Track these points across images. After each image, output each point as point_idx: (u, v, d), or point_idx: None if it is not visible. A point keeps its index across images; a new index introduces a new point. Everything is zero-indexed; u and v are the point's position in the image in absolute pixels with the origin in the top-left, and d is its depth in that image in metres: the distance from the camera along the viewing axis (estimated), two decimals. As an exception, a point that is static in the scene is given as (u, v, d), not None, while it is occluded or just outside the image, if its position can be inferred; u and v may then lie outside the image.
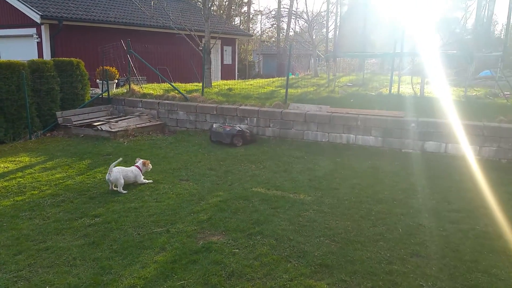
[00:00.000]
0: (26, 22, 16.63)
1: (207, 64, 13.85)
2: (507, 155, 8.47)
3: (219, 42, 24.09)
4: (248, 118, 10.58)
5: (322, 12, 22.32)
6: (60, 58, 11.20)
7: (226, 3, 37.18)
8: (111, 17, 18.39)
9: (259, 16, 39.44)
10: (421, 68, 13.35)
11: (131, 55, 12.23)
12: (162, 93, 12.27)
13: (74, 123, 10.57)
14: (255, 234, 5.23)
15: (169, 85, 12.73)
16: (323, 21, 21.35)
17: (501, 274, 4.39)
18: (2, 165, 8.12)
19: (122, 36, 17.60)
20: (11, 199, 6.39)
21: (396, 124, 9.31)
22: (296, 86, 15.93)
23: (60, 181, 7.27)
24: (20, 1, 16.36)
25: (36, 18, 15.80)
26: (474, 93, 12.67)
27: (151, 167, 7.32)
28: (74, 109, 11.24)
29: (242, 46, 35.64)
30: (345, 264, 4.53)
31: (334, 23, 17.17)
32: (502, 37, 26.06)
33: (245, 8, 39.26)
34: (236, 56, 26.28)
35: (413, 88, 14.11)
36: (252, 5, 40.67)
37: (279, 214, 5.84)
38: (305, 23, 21.76)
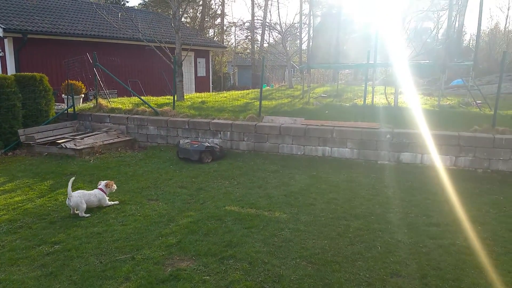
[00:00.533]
0: (-12, 36, 15.96)
1: (178, 76, 13.51)
2: (483, 165, 8.42)
3: (192, 54, 23.81)
4: (222, 132, 10.26)
5: (295, 23, 22.36)
6: (22, 73, 10.67)
7: (199, 15, 36.99)
8: (78, 30, 17.89)
9: (233, 28, 39.38)
10: (394, 78, 13.38)
11: (97, 68, 11.77)
12: (131, 107, 11.84)
13: (38, 141, 10.03)
14: (228, 258, 4.90)
15: (140, 99, 12.31)
16: (296, 32, 21.35)
17: (485, 293, 4.20)
18: (-45, 189, 7.55)
19: (91, 49, 17.07)
20: (-38, 227, 5.87)
21: (371, 136, 9.17)
22: (270, 97, 15.77)
23: (19, 204, 6.77)
24: (-19, 14, 15.72)
25: (-1, 31, 15.18)
26: (448, 102, 12.75)
27: (115, 187, 6.88)
28: (37, 126, 10.69)
29: (217, 58, 35.46)
30: (323, 288, 4.26)
31: (307, 35, 17.12)
32: (471, 46, 26.73)
33: (219, 20, 39.17)
34: (210, 68, 26.02)
35: (386, 98, 14.13)
36: (226, 16, 40.59)
37: (253, 234, 5.53)
38: (279, 35, 21.70)
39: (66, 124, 11.25)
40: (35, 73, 10.88)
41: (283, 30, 20.94)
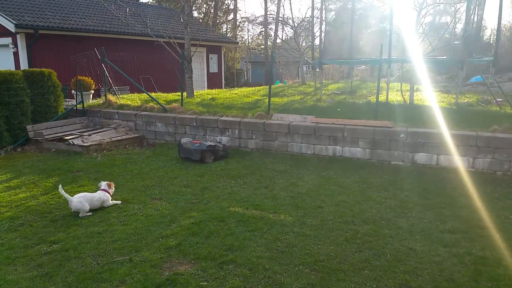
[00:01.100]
0: (2, 31, 16.03)
1: (188, 72, 13.34)
2: (503, 167, 8.02)
3: (204, 50, 23.66)
4: (230, 130, 10.05)
5: (307, 17, 22.00)
6: (30, 69, 10.62)
7: (212, 10, 36.80)
8: (90, 25, 17.85)
9: (246, 24, 39.07)
10: (410, 74, 12.97)
11: (106, 64, 11.66)
12: (140, 104, 11.71)
13: (46, 137, 9.97)
14: (228, 262, 4.69)
15: (148, 95, 12.16)
16: (309, 27, 20.98)
17: (501, 309, 3.89)
18: (-40, 185, 7.51)
19: (103, 44, 16.97)
20: (-38, 225, 5.79)
21: (385, 135, 8.85)
22: (282, 94, 15.46)
23: (23, 201, 6.67)
24: (-6, 10, 15.79)
25: (11, 27, 15.22)
26: (466, 100, 12.29)
27: (113, 189, 6.70)
28: (46, 122, 10.64)
29: (230, 54, 35.25)
30: (326, 299, 4.01)
31: (319, 30, 16.80)
32: (491, 41, 25.94)
33: (232, 16, 38.93)
34: (223, 64, 25.85)
35: (402, 95, 13.72)
36: (239, 11, 40.35)
37: (256, 238, 5.30)
38: (291, 29, 21.36)
39: (75, 120, 11.18)
40: (43, 69, 10.82)
41: (296, 25, 20.55)
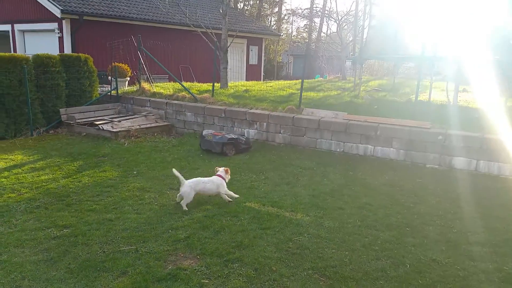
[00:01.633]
0: (49, 16, 16.52)
1: (223, 63, 13.19)
2: (549, 177, 7.32)
3: (245, 41, 23.46)
4: (258, 123, 9.81)
5: (352, 11, 21.29)
6: (67, 54, 10.86)
7: (258, 1, 36.50)
8: (133, 13, 18.05)
9: (291, 16, 38.45)
10: (456, 73, 12.17)
11: (141, 52, 11.71)
12: (172, 92, 11.69)
13: (78, 120, 10.14)
14: (234, 260, 4.47)
15: (180, 84, 12.11)
16: (353, 21, 20.29)
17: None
18: (-9, 163, 7.73)
19: (146, 32, 17.16)
20: (-17, 203, 5.91)
21: (421, 136, 8.31)
22: (319, 89, 15.02)
23: (44, 183, 6.76)
24: (42, -5, 16.32)
25: (57, 12, 15.63)
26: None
27: (229, 176, 6.38)
28: (80, 106, 10.83)
29: (272, 47, 34.88)
30: (331, 310, 3.71)
31: (362, 24, 16.15)
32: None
33: (277, 8, 38.46)
34: (263, 56, 25.54)
35: (447, 96, 12.95)
36: (284, 3, 39.78)
37: (268, 236, 5.05)
38: (335, 22, 20.76)
39: (108, 106, 11.32)
40: (80, 54, 11.02)
41: (339, 18, 19.93)
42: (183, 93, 11.56)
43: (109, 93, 11.74)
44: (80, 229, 5.17)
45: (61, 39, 16.76)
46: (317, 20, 32.84)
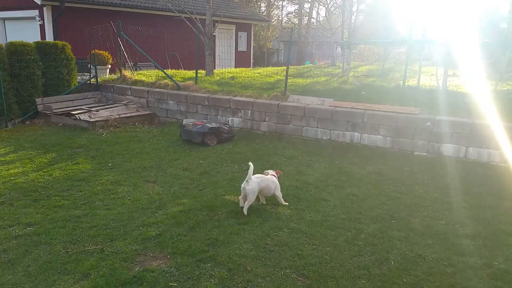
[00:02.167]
0: (29, 3, 15.91)
1: (208, 49, 12.77)
2: (541, 164, 7.07)
3: (233, 27, 22.95)
4: (242, 111, 9.46)
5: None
6: (44, 41, 10.38)
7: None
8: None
9: (282, 1, 37.82)
10: (446, 58, 11.86)
11: (122, 38, 11.25)
12: (154, 80, 11.28)
13: (54, 111, 9.73)
14: (206, 260, 4.17)
15: (162, 71, 11.69)
16: (342, 5, 19.85)
17: None
18: (-42, 157, 7.34)
19: (130, 19, 16.66)
20: None
21: (409, 122, 8.02)
22: (307, 75, 14.65)
23: (12, 178, 6.40)
24: (21, -19, 15.69)
25: (37, -1, 15.07)
26: (507, 88, 11.13)
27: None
28: (58, 95, 10.40)
29: (262, 33, 34.32)
30: (307, 314, 3.43)
31: (351, 9, 15.78)
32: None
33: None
34: (252, 42, 25.04)
35: (437, 80, 12.65)
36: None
37: (245, 232, 4.75)
38: (324, 7, 20.31)
39: (88, 95, 10.90)
40: (57, 41, 10.57)
41: (328, 3, 19.50)
42: (166, 80, 11.16)
43: (88, 82, 11.29)
44: (45, 227, 4.83)
45: (42, 27, 16.18)
46: (307, 5, 32.28)
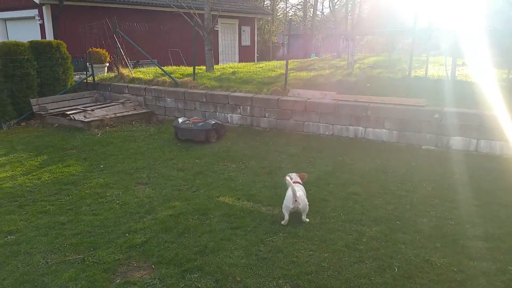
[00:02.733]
0: (29, 3, 15.71)
1: (207, 44, 12.42)
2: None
3: (236, 22, 22.56)
4: (241, 107, 9.12)
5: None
6: (38, 40, 10.11)
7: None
8: (117, -4, 17.18)
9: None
10: (454, 47, 11.38)
11: (117, 35, 10.95)
12: (152, 77, 10.97)
13: (50, 111, 9.48)
14: (193, 270, 3.86)
15: (159, 68, 11.38)
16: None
17: None
18: None
19: (131, 16, 16.39)
20: None
21: (416, 115, 7.61)
22: (311, 68, 14.26)
23: (0, 182, 6.14)
24: (19, -20, 15.49)
25: (36, -3, 14.85)
26: (519, 77, 10.63)
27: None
28: (54, 95, 10.15)
29: (266, 27, 33.84)
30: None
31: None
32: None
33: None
34: (256, 37, 24.63)
35: (446, 70, 12.18)
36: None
37: (237, 238, 4.43)
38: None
39: (84, 94, 10.64)
40: (51, 40, 10.33)
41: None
42: (164, 77, 10.85)
43: (85, 81, 11.02)
44: (27, 235, 4.56)
45: (42, 26, 15.98)
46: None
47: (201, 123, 8.01)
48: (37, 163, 6.95)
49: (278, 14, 37.93)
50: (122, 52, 11.07)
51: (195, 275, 3.78)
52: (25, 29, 17.02)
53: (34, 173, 6.44)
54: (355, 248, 4.23)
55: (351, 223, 4.77)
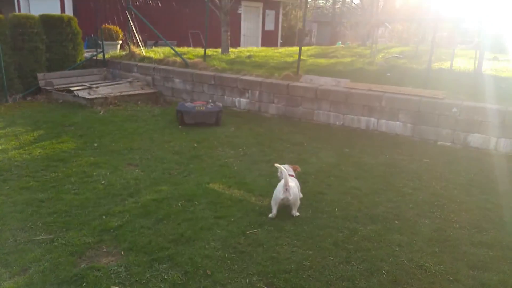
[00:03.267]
0: (48, -23, 15.68)
1: (224, 26, 12.06)
2: None
3: (260, 5, 22.05)
4: (250, 91, 8.75)
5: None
6: (49, 14, 9.95)
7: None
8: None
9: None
10: (483, 37, 10.65)
11: (130, 12, 10.70)
12: (163, 57, 10.70)
13: (56, 87, 9.35)
14: (163, 259, 3.58)
15: (171, 48, 11.10)
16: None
17: None
18: None
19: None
20: None
21: (433, 108, 7.09)
22: (332, 55, 13.72)
23: (-11, 156, 6.01)
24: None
25: (55, -28, 14.76)
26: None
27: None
28: (63, 71, 10.02)
29: (293, 13, 33.10)
30: None
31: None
32: None
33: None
34: (280, 21, 24.04)
35: (475, 64, 11.46)
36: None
37: (218, 228, 4.12)
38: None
39: (94, 71, 10.48)
40: (63, 14, 10.15)
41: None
42: (175, 57, 10.57)
43: (94, 57, 10.85)
44: (2, 211, 4.37)
45: (62, 1, 15.95)
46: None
47: (210, 106, 7.73)
48: (32, 138, 6.80)
49: None
50: (134, 29, 10.82)
51: (164, 265, 3.50)
52: (47, 5, 17.02)
53: (26, 148, 6.28)
54: (344, 247, 3.86)
55: (344, 220, 4.39)
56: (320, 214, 4.51)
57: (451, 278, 3.46)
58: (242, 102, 8.87)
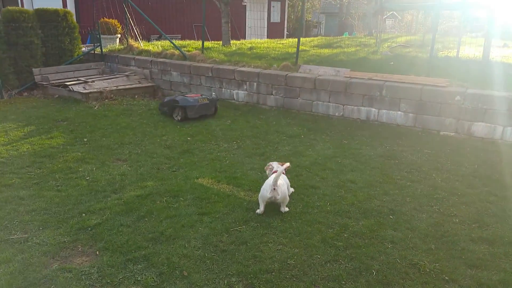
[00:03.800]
0: (50, -30, 15.57)
1: (224, 17, 11.79)
2: None
3: (266, -4, 21.70)
4: (248, 83, 8.50)
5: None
6: (44, 8, 9.78)
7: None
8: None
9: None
10: (491, 24, 10.23)
11: (127, 5, 10.50)
12: (161, 50, 10.49)
13: (52, 81, 9.21)
14: (139, 259, 3.39)
15: (169, 40, 10.89)
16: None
17: None
18: None
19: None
20: None
21: (435, 96, 6.77)
22: (336, 46, 13.36)
23: (-22, 152, 5.88)
24: None
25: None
26: None
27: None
28: (60, 65, 9.89)
29: (299, 3, 32.63)
30: None
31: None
32: None
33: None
34: (286, 13, 23.68)
35: (483, 52, 11.03)
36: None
37: (201, 225, 3.91)
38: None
39: (91, 65, 10.31)
40: (58, 8, 9.98)
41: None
42: (172, 50, 10.35)
43: (92, 51, 10.69)
44: (-19, 210, 4.23)
45: (64, -4, 15.87)
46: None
47: (213, 95, 7.80)
48: (21, 133, 6.65)
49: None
50: (132, 23, 10.62)
51: (139, 266, 3.31)
52: (49, 0, 16.97)
53: (14, 144, 6.13)
54: (332, 245, 3.62)
55: (335, 215, 4.15)
56: (311, 209, 4.27)
57: (446, 277, 3.21)
58: (240, 94, 8.63)
